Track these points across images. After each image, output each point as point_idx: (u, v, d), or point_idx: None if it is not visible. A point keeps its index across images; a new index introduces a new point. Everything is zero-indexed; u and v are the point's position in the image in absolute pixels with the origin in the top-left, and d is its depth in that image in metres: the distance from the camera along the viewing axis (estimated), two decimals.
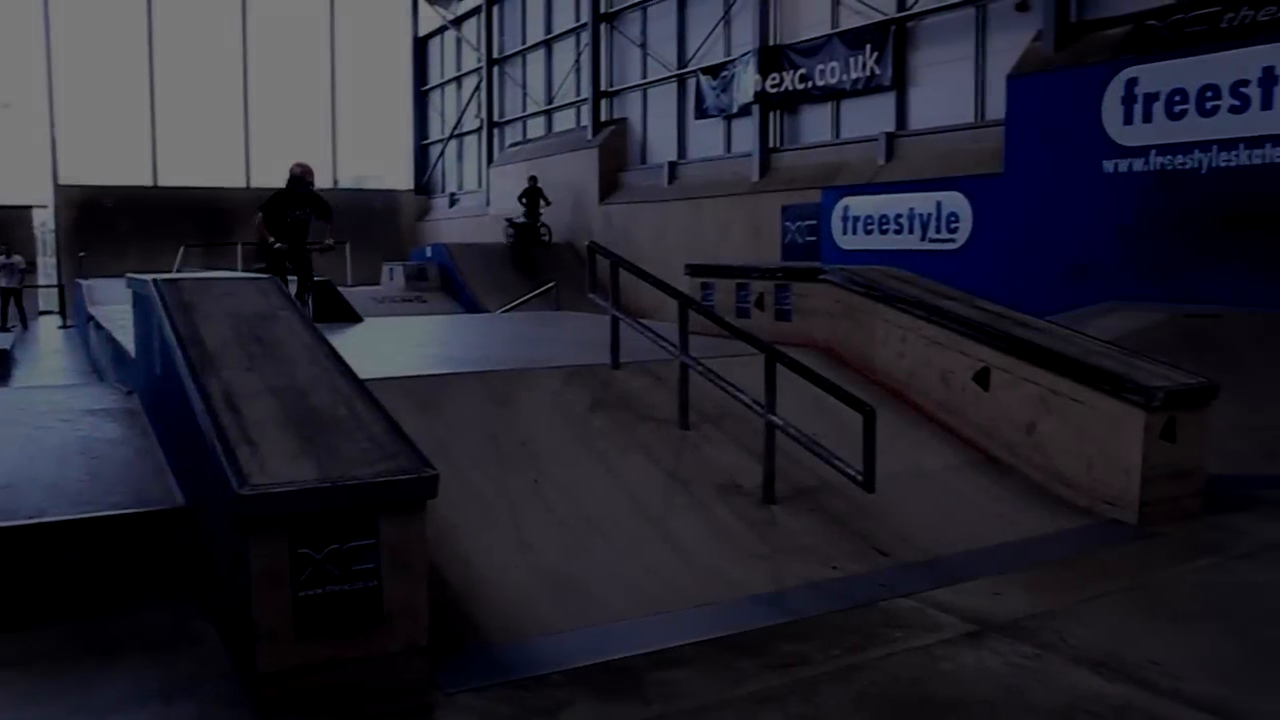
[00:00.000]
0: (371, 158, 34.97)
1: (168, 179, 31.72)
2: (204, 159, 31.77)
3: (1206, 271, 11.97)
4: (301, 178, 10.09)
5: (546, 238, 25.20)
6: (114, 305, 12.20)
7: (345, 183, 34.14)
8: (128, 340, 8.07)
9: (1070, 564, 6.19)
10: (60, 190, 30.56)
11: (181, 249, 26.41)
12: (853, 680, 4.58)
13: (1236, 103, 11.69)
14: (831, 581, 5.71)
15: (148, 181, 31.66)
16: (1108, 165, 13.09)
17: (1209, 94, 11.96)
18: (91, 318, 11.61)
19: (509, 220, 25.82)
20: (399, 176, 36.11)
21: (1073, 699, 4.44)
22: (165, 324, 5.66)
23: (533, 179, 25.29)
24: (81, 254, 27.87)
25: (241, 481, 4.15)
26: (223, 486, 4.24)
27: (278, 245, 9.76)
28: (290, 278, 9.73)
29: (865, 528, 6.29)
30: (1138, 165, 12.77)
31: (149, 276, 6.37)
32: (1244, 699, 4.43)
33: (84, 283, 20.15)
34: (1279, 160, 11.32)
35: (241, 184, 32.40)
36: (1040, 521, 6.81)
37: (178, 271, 16.37)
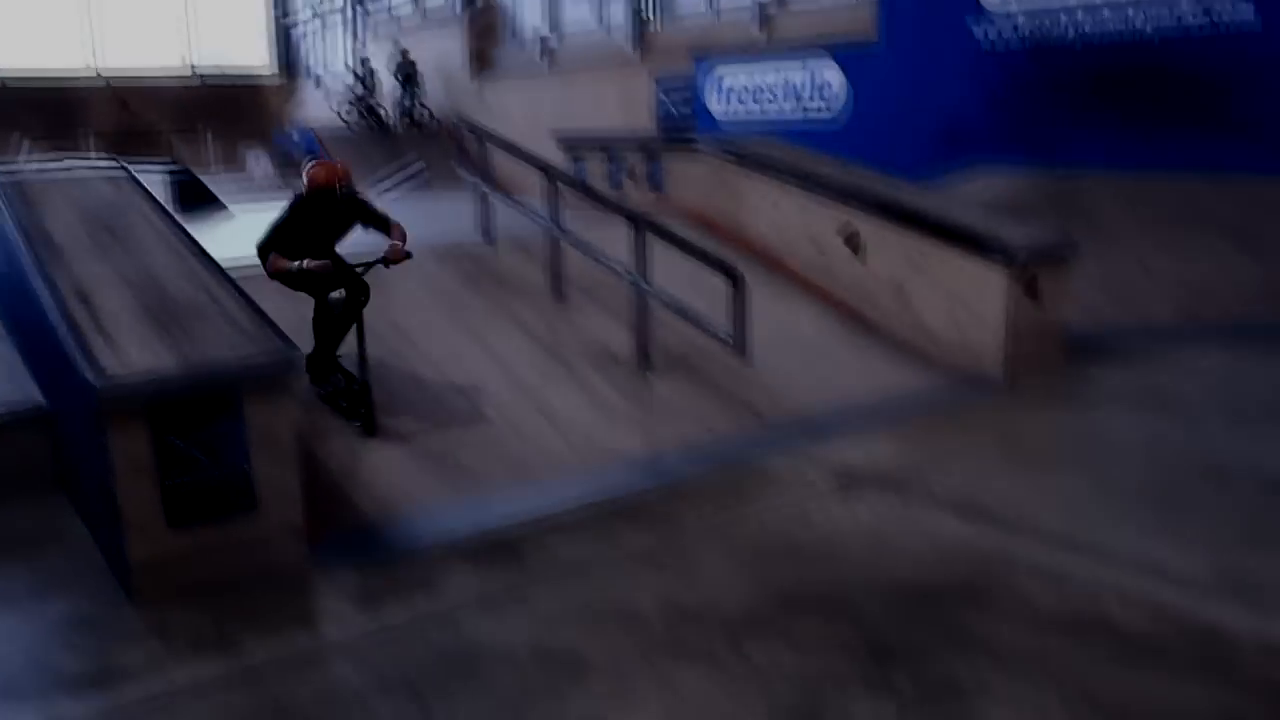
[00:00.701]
0: (231, 40, 33.32)
1: (5, 70, 29.82)
2: (45, 47, 29.86)
3: (1074, 136, 12.19)
4: (329, 184, 5.97)
5: (427, 118, 24.41)
6: None
7: (204, 68, 32.59)
8: None
9: (937, 418, 6.40)
10: None
11: (25, 143, 25.01)
12: (725, 535, 4.71)
13: None
14: (706, 443, 5.82)
15: None
16: (979, 32, 13.16)
17: None
18: None
19: (351, 86, 24.85)
20: (261, 59, 34.58)
21: (936, 543, 4.64)
22: (6, 217, 5.40)
23: (405, 52, 24.35)
24: None
25: (98, 374, 4.03)
26: (79, 381, 4.11)
27: (309, 265, 5.78)
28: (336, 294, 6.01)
29: (739, 391, 6.40)
30: (1007, 32, 12.85)
31: None
32: (1089, 532, 4.70)
33: None
34: (1140, 25, 11.51)
35: (89, 73, 30.66)
36: (909, 378, 7.00)
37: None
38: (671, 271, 6.52)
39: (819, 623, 4.01)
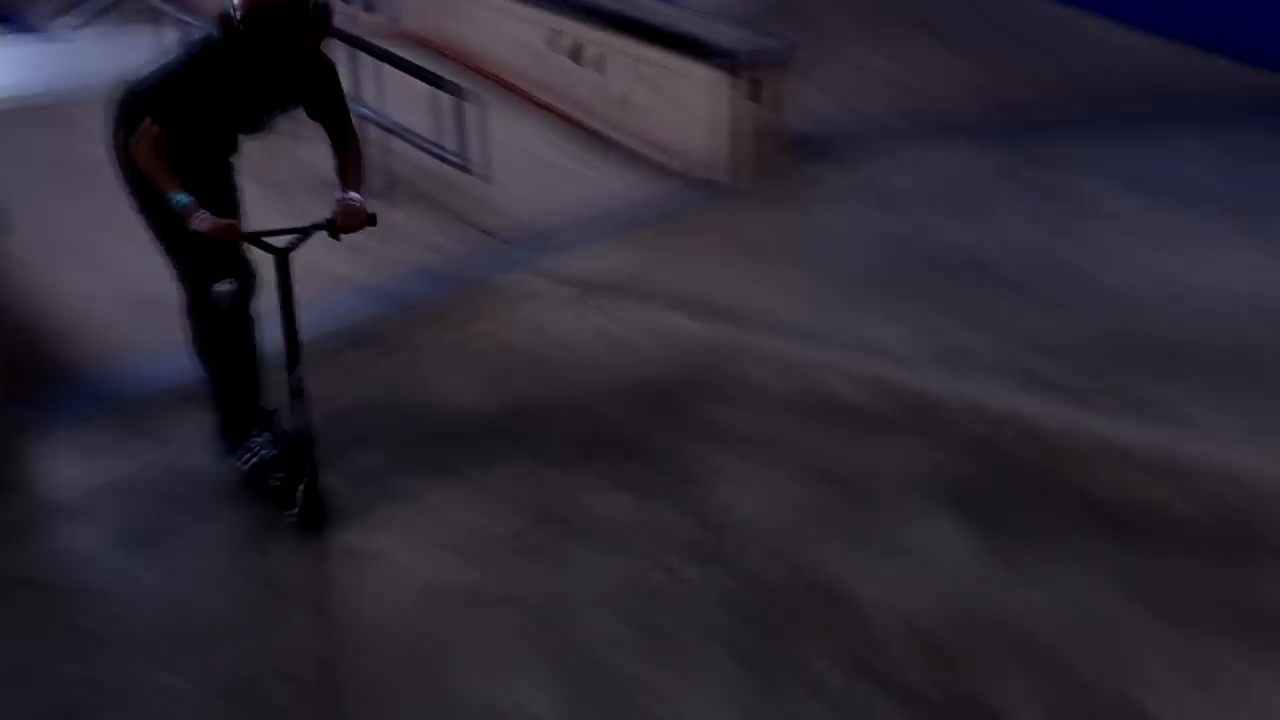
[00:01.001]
0: None
1: None
2: None
3: None
4: (283, 12, 3.18)
5: None
6: None
7: None
8: None
9: (667, 224, 6.49)
10: None
11: None
12: (462, 354, 4.72)
13: None
14: (437, 266, 5.73)
15: None
16: None
17: None
18: None
19: None
20: None
21: (670, 341, 4.80)
22: None
23: None
24: None
25: None
26: None
27: (198, 222, 3.30)
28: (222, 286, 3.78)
29: (471, 211, 6.29)
30: None
31: None
32: (816, 321, 4.97)
33: None
34: None
35: None
36: (640, 188, 7.04)
37: None
38: (393, 93, 6.27)
39: (559, 428, 4.10)
